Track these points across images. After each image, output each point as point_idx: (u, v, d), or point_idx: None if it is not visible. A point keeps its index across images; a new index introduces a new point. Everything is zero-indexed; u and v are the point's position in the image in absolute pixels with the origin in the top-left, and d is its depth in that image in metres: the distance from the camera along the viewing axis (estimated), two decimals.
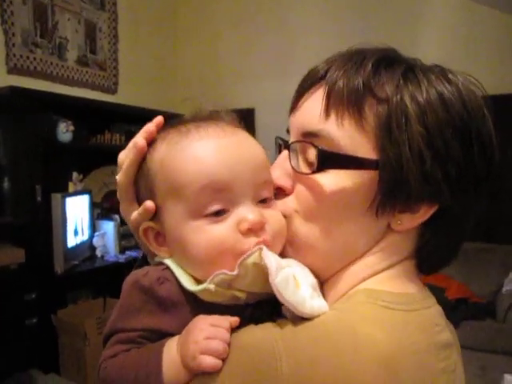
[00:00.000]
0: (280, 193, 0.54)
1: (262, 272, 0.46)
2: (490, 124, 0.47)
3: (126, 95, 4.27)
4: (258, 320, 0.48)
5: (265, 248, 0.47)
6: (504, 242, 3.30)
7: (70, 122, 3.35)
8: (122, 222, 4.00)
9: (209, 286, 0.47)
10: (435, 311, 0.50)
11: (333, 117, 0.47)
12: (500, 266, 3.19)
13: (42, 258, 3.09)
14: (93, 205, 3.68)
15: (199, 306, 0.49)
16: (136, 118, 4.17)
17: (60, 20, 3.65)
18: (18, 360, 3.08)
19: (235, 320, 0.46)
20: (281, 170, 0.53)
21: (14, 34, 3.33)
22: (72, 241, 3.25)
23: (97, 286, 3.63)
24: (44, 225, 3.07)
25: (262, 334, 0.44)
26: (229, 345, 0.43)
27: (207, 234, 0.50)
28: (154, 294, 0.49)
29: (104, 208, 4.04)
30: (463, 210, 0.47)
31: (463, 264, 3.01)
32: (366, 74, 0.46)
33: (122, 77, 4.29)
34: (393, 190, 0.45)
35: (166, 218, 0.53)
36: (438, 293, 2.95)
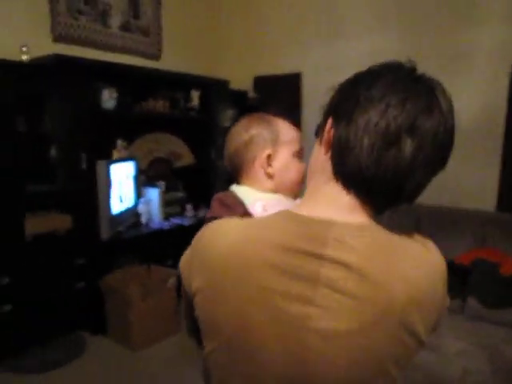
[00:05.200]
0: None
1: None
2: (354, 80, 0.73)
3: (169, 61, 4.22)
4: None
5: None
6: None
7: (113, 89, 3.35)
8: (167, 189, 4.03)
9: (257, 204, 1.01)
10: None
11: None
12: None
13: (88, 224, 3.17)
14: (138, 172, 3.71)
15: (245, 209, 1.01)
16: (179, 84, 4.20)
17: None
18: (68, 322, 3.20)
19: None
20: None
21: (58, 1, 3.33)
22: (117, 207, 3.30)
23: (141, 253, 3.68)
24: (90, 192, 3.12)
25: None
26: None
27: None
28: (225, 202, 1.02)
29: (149, 175, 4.07)
30: (348, 122, 0.69)
31: None
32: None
33: (165, 42, 4.24)
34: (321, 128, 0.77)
35: (279, 159, 1.05)
36: (491, 268, 2.82)
